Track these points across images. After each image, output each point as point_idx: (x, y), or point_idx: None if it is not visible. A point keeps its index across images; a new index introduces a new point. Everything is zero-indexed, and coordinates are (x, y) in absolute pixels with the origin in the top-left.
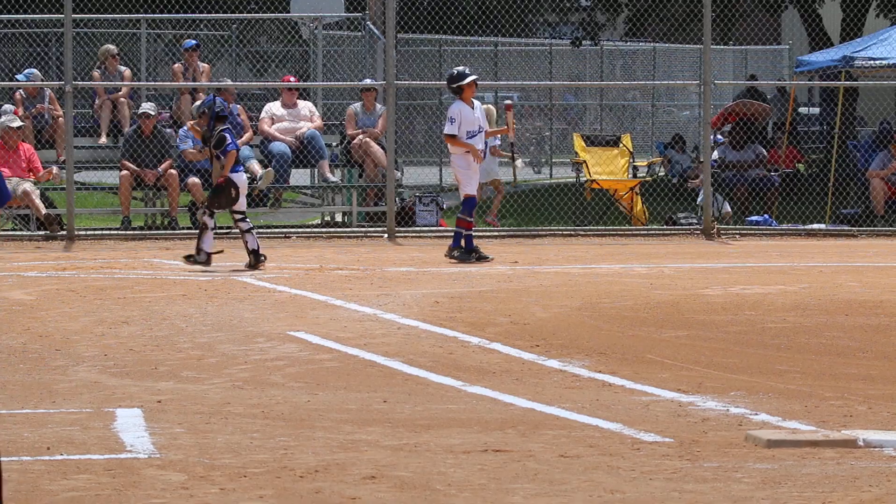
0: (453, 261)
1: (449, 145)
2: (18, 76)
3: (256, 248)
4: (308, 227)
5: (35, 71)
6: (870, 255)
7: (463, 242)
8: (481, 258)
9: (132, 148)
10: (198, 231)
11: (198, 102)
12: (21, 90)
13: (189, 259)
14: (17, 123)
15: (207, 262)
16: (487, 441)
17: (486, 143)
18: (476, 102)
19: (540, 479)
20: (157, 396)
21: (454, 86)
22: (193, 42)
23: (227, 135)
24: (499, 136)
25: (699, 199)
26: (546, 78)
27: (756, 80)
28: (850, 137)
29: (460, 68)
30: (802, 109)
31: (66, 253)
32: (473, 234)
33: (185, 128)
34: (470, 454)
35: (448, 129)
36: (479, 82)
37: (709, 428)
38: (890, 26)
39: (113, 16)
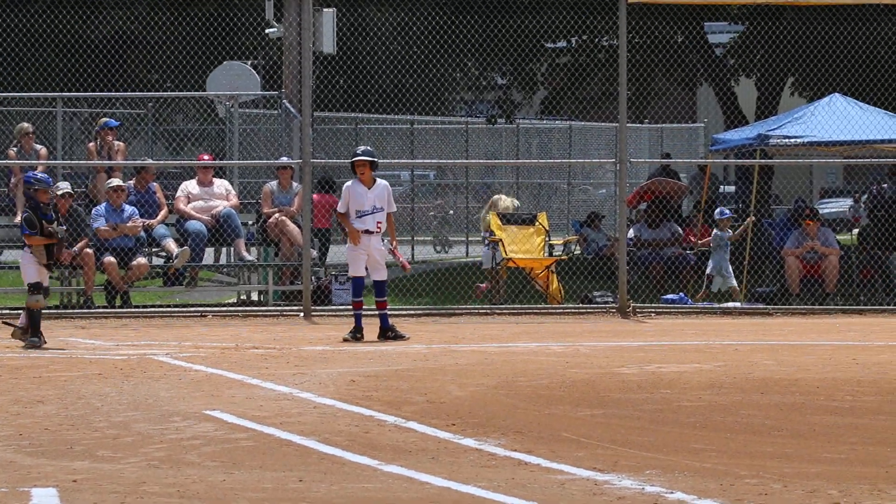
0: (346, 341)
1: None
2: None
3: (24, 326)
4: (224, 305)
5: None
6: (785, 333)
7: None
8: (397, 336)
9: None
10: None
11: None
12: None
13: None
14: None
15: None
16: None
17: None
18: (379, 182)
19: None
20: (72, 476)
21: (351, 162)
22: (109, 121)
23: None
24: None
25: (709, 269)
26: (462, 156)
27: (670, 157)
28: (765, 215)
29: (361, 147)
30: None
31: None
32: (388, 312)
33: (99, 206)
34: None
35: (339, 206)
36: (395, 160)
37: None
38: (805, 104)
39: (29, 94)
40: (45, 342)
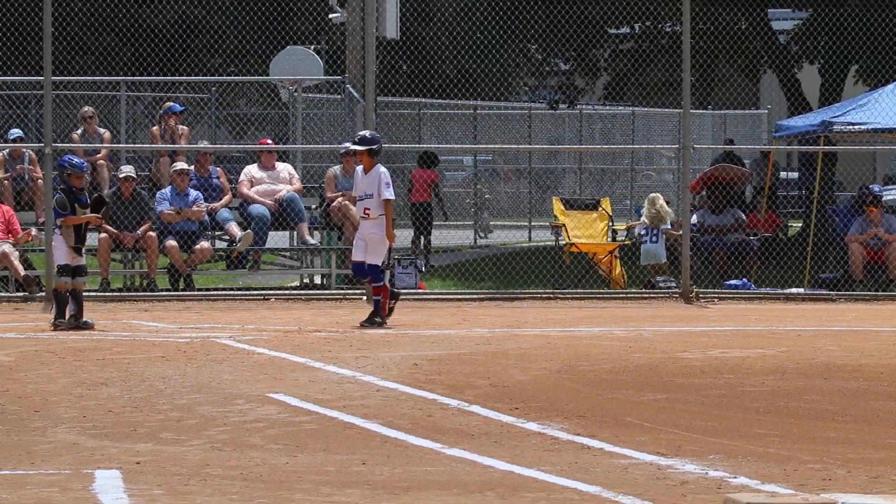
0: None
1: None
2: (10, 136)
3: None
4: (287, 289)
5: (19, 131)
6: (848, 320)
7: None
8: (374, 323)
9: (111, 210)
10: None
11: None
12: (4, 151)
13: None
14: None
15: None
16: None
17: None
18: (374, 168)
19: None
20: (135, 458)
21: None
22: (172, 105)
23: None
24: None
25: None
26: (525, 141)
27: (733, 144)
28: (828, 202)
29: (363, 133)
30: (782, 174)
31: (44, 314)
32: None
33: (164, 190)
34: None
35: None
36: (459, 145)
37: (687, 491)
38: (869, 91)
39: (93, 78)
40: (92, 323)
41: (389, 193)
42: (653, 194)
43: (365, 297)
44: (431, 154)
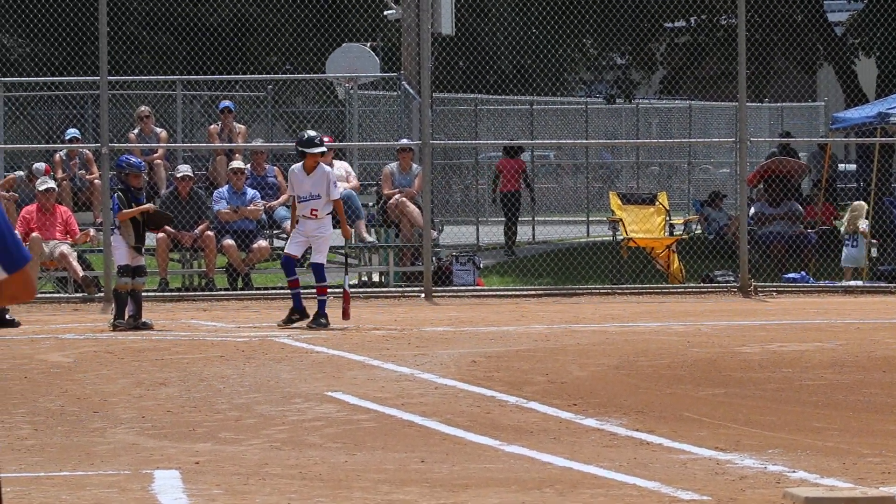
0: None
1: None
2: (66, 136)
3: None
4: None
5: (76, 131)
6: None
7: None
8: (319, 325)
9: (169, 210)
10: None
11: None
12: (61, 152)
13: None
14: (46, 186)
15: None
16: (525, 500)
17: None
18: (319, 168)
19: None
20: (194, 458)
21: (298, 149)
22: (228, 103)
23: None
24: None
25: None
26: (582, 136)
27: (790, 136)
28: (886, 193)
29: (311, 133)
30: (840, 166)
31: (103, 315)
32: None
33: (221, 189)
34: None
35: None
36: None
37: (746, 486)
38: None
39: (149, 77)
40: (151, 324)
41: (337, 193)
42: (856, 202)
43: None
44: (518, 146)
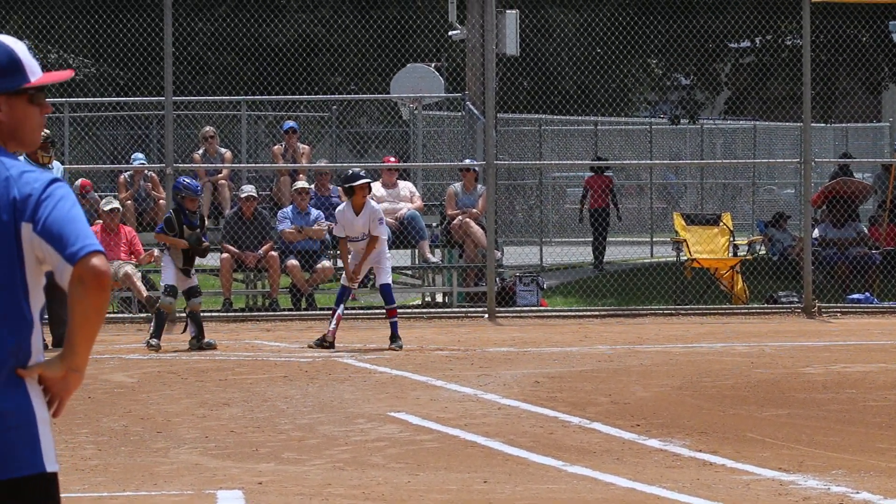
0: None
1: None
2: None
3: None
4: (408, 307)
5: (142, 156)
6: None
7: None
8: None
9: (233, 230)
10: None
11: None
12: (126, 174)
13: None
14: (111, 206)
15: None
16: None
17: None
18: (367, 206)
19: None
20: (258, 478)
21: (346, 186)
22: (292, 124)
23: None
24: None
25: None
26: (646, 156)
27: (849, 157)
28: None
29: (356, 169)
30: None
31: (167, 335)
32: (574, 312)
33: (285, 209)
34: None
35: (336, 231)
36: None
37: None
38: None
39: (213, 98)
40: (214, 344)
41: (381, 231)
42: None
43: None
44: (602, 159)
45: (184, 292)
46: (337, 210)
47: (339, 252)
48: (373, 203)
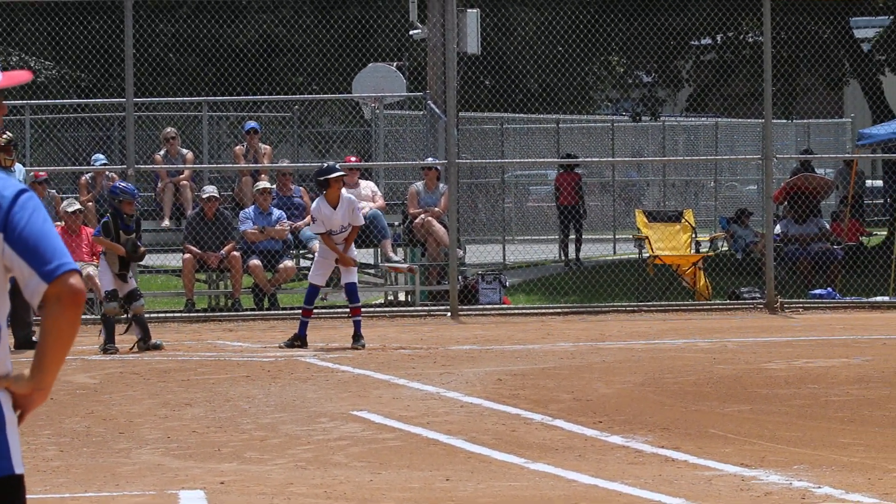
0: (282, 348)
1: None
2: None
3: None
4: (371, 306)
5: (102, 157)
6: None
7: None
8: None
9: (195, 231)
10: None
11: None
12: (87, 175)
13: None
14: (73, 208)
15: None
16: None
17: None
18: (345, 197)
19: None
20: (220, 478)
21: (320, 179)
22: (253, 124)
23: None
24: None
25: None
26: (608, 154)
27: (810, 153)
28: None
29: (330, 163)
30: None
31: (129, 336)
32: (535, 309)
33: (247, 210)
34: None
35: (314, 228)
36: (541, 159)
37: (772, 502)
38: None
39: (174, 99)
40: (161, 344)
41: (361, 219)
42: None
43: None
44: (572, 157)
45: (124, 297)
46: (312, 207)
47: (302, 252)
48: (346, 194)
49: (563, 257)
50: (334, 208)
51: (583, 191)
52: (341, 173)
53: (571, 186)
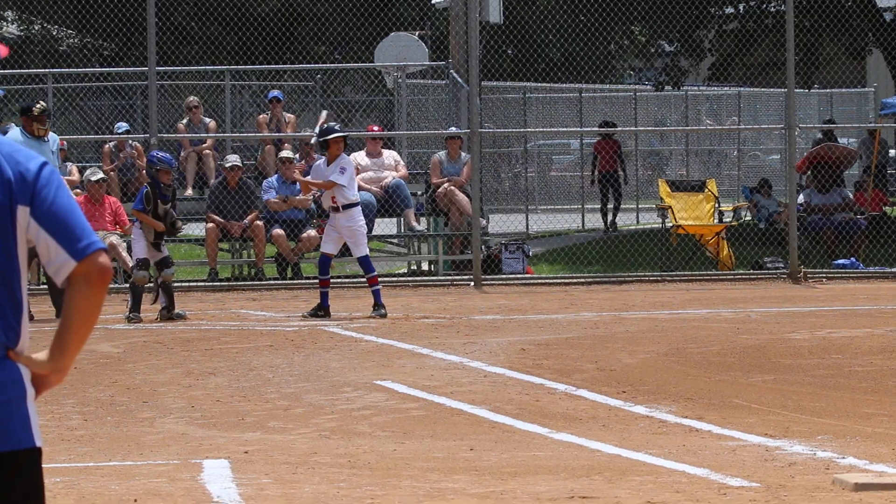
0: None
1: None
2: (117, 129)
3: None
4: (394, 276)
5: (126, 125)
6: None
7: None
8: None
9: (218, 200)
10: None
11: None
12: (110, 144)
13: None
14: (97, 177)
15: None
16: (574, 488)
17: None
18: (341, 157)
19: None
20: (244, 447)
21: (320, 140)
22: (276, 93)
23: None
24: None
25: None
26: (631, 123)
27: (833, 123)
28: None
29: (331, 124)
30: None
31: (152, 305)
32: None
33: (270, 179)
34: (556, 501)
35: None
36: (564, 129)
37: (796, 472)
38: None
39: (197, 67)
40: (185, 315)
41: (338, 179)
42: None
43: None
44: (610, 124)
45: (156, 263)
46: (314, 165)
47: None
48: (346, 157)
49: (603, 224)
50: (328, 166)
51: (622, 158)
52: (339, 134)
53: (610, 153)
